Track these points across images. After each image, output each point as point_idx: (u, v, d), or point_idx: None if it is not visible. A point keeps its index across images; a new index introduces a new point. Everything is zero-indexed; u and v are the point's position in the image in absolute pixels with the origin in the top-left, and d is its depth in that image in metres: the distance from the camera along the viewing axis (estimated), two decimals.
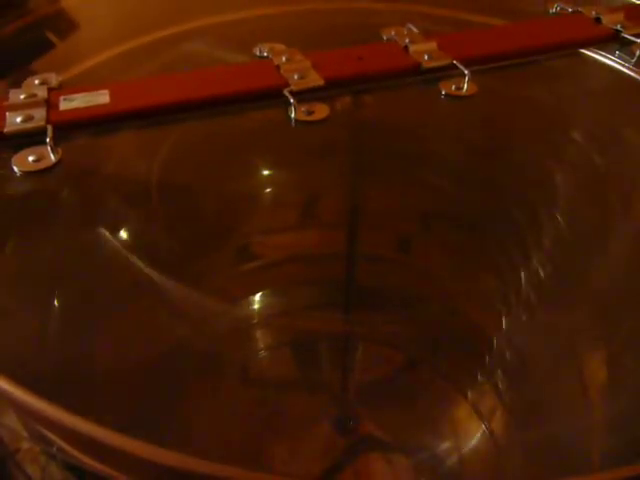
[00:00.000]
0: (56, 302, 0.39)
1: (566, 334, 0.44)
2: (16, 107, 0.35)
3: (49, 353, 0.37)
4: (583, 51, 0.46)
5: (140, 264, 0.44)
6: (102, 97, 0.36)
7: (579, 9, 0.49)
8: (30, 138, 0.34)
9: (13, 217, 0.34)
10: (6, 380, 0.22)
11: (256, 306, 0.62)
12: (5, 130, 0.34)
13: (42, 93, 0.36)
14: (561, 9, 0.51)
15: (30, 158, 0.33)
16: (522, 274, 0.50)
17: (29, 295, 0.36)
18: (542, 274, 0.49)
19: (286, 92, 0.37)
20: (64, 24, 0.51)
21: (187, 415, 0.46)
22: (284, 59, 0.40)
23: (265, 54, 0.42)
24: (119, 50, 0.46)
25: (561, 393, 0.46)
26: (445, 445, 0.50)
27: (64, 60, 0.47)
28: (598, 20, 0.47)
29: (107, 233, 0.39)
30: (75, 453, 0.25)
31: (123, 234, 0.42)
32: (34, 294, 0.36)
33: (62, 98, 0.36)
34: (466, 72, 0.40)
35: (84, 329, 0.41)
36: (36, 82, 0.38)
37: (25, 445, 0.61)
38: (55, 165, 0.33)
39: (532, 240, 0.49)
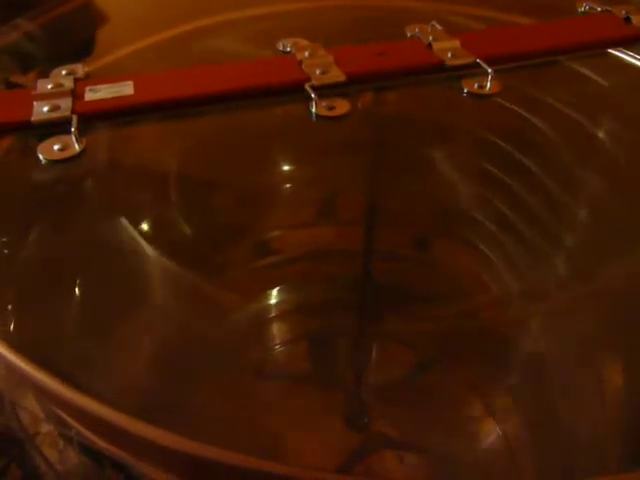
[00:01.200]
0: (77, 289, 0.39)
1: (584, 337, 0.43)
2: (43, 97, 0.36)
3: (69, 339, 0.38)
4: (611, 51, 0.46)
5: (158, 255, 0.45)
6: (126, 88, 0.37)
7: (608, 8, 0.48)
8: (56, 127, 0.35)
9: (37, 204, 0.35)
10: (28, 363, 0.23)
11: (272, 301, 0.62)
12: (32, 119, 0.35)
13: (69, 83, 0.37)
14: (590, 8, 0.50)
15: (55, 147, 0.34)
16: (542, 275, 0.50)
17: (50, 282, 0.37)
18: (562, 276, 0.48)
19: (307, 87, 0.38)
20: (94, 16, 0.52)
21: (201, 407, 0.47)
22: (307, 54, 0.40)
23: (288, 49, 0.43)
24: (144, 43, 0.47)
25: (577, 396, 0.45)
26: (458, 446, 0.50)
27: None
28: (628, 20, 0.46)
29: (127, 223, 0.39)
30: (92, 437, 0.26)
31: (143, 225, 0.43)
32: (55, 281, 0.37)
33: (88, 89, 0.37)
34: (489, 71, 0.39)
35: (102, 317, 0.42)
36: (63, 73, 0.39)
37: (44, 429, 0.62)
38: (79, 154, 0.34)
39: (553, 241, 0.49)
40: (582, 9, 0.50)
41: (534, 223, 0.49)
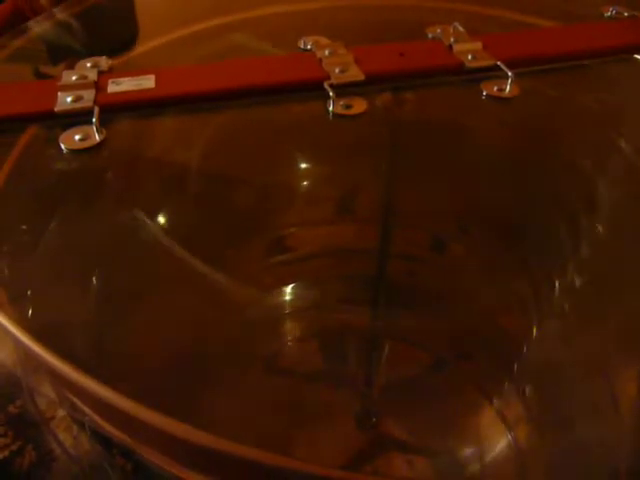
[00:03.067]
0: (94, 278, 0.40)
1: (598, 345, 0.43)
2: (67, 88, 0.37)
3: (85, 327, 0.38)
4: (638, 57, 0.45)
5: (175, 248, 0.46)
6: (148, 82, 0.37)
7: (635, 13, 0.48)
8: (78, 118, 0.36)
9: (58, 192, 0.36)
10: (46, 351, 0.23)
11: (287, 297, 0.63)
12: (56, 109, 0.35)
13: (92, 75, 0.38)
14: (617, 13, 0.49)
15: (76, 137, 0.35)
16: (556, 282, 0.49)
17: (69, 271, 0.37)
18: (577, 283, 0.47)
19: (326, 85, 0.38)
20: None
21: (210, 400, 0.47)
22: (327, 52, 0.40)
23: (309, 47, 0.43)
24: (167, 39, 0.48)
25: (591, 405, 0.44)
26: (468, 450, 0.50)
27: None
28: None
29: (144, 215, 0.40)
30: (103, 423, 0.26)
31: (160, 217, 0.44)
32: (73, 270, 0.38)
33: (110, 81, 0.38)
34: (510, 74, 0.39)
35: (118, 307, 0.42)
36: (88, 65, 0.40)
37: (60, 413, 0.64)
38: (99, 145, 0.35)
39: (569, 248, 0.48)
40: (608, 14, 0.49)
41: (552, 230, 0.49)
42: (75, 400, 0.29)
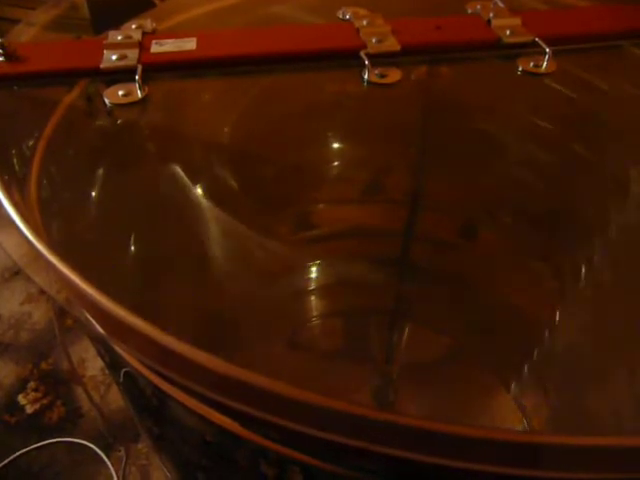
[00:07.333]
0: (132, 231, 0.42)
1: (620, 336, 0.42)
2: (113, 46, 0.38)
3: (124, 280, 0.40)
4: None
5: (208, 212, 0.47)
6: (189, 44, 0.39)
7: None
8: (122, 75, 0.37)
9: (100, 143, 0.37)
10: (96, 290, 0.24)
11: (312, 275, 0.64)
12: (101, 66, 0.37)
13: (137, 36, 0.39)
14: None
15: (120, 92, 0.36)
16: (582, 272, 0.49)
17: (111, 227, 0.39)
18: (602, 275, 0.47)
19: (362, 54, 0.38)
20: None
21: None
22: (365, 23, 0.41)
23: (347, 17, 0.43)
24: (210, 8, 0.49)
25: (611, 397, 0.44)
26: None
27: (160, 17, 0.49)
28: None
29: (178, 171, 0.41)
30: (143, 372, 0.27)
31: (193, 178, 0.45)
32: (115, 226, 0.39)
33: (154, 42, 0.39)
34: (547, 50, 0.39)
35: (152, 269, 0.44)
36: (133, 26, 0.41)
37: (89, 372, 0.66)
38: (141, 101, 0.36)
39: (596, 239, 0.48)
40: None
41: (581, 220, 0.48)
42: (116, 345, 0.29)
